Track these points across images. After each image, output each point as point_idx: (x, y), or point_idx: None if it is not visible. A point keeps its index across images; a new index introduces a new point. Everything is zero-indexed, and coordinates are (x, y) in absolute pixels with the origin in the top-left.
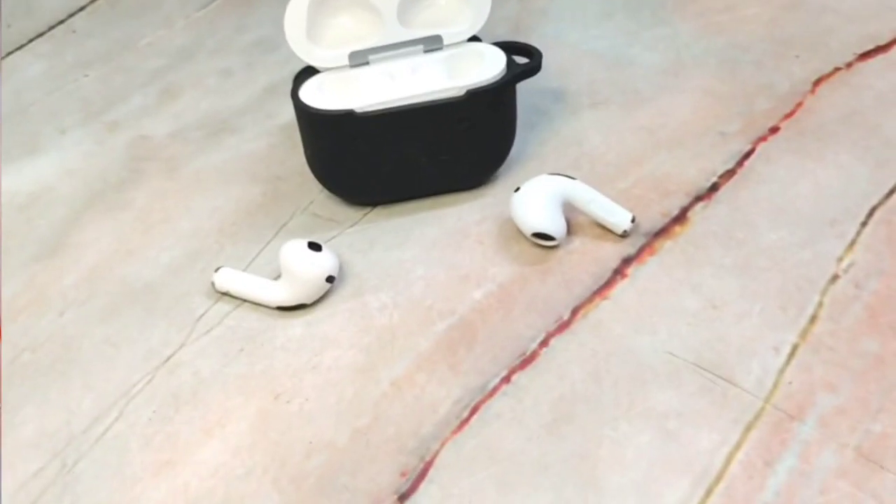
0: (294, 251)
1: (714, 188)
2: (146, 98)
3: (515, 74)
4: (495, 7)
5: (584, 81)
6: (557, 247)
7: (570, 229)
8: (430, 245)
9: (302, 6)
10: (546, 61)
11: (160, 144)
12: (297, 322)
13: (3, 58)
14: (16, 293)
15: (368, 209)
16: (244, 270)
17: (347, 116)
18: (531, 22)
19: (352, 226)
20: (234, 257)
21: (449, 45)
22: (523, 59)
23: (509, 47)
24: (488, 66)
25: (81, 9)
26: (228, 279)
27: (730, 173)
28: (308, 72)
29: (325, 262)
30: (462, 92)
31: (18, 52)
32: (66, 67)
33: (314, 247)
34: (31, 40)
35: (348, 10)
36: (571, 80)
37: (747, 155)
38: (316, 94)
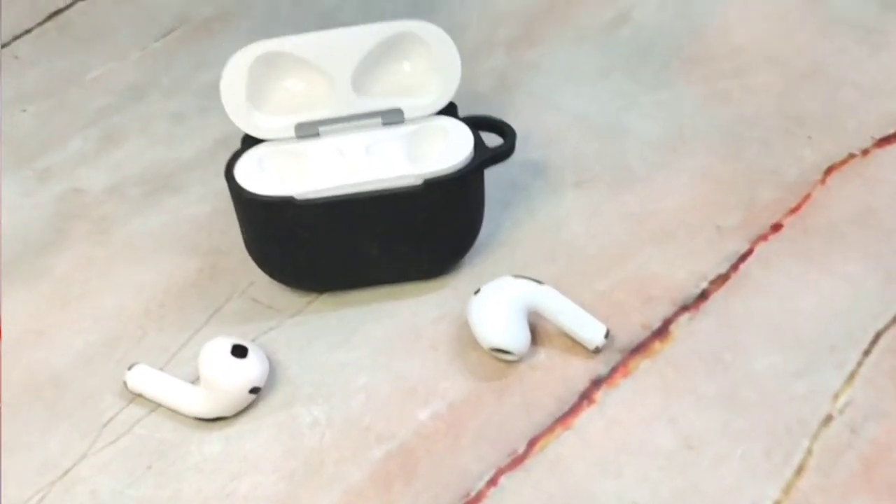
0: (214, 357)
1: (703, 296)
2: (86, 142)
3: (483, 161)
4: (481, 58)
5: (571, 154)
6: (519, 361)
7: (537, 338)
8: (377, 346)
9: (242, 65)
10: (529, 127)
11: (94, 201)
12: (216, 436)
13: None
14: None
15: (314, 296)
16: (168, 362)
17: (286, 204)
18: (519, 76)
19: (292, 316)
20: (156, 346)
21: (412, 119)
22: (497, 138)
23: (480, 123)
24: (453, 148)
25: (27, 31)
26: (143, 379)
27: (722, 278)
28: (252, 139)
29: (249, 373)
30: (419, 181)
31: None
32: (2, 100)
33: (238, 352)
34: None
35: (298, 74)
36: (557, 152)
37: (744, 257)
38: (254, 172)
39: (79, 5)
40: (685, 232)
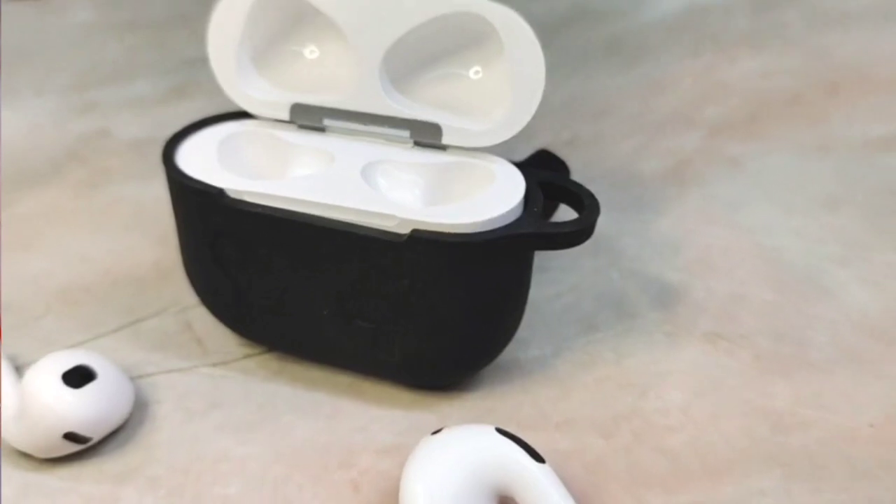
0: (40, 376)
1: None
2: (155, 86)
3: (516, 234)
4: (668, 132)
5: (724, 295)
6: None
7: None
8: (286, 451)
9: (240, 4)
10: (683, 238)
11: (112, 150)
12: (17, 478)
13: None
14: None
15: (261, 351)
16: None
17: (214, 197)
18: (705, 171)
19: (214, 364)
20: (44, 335)
21: (455, 148)
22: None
23: (551, 184)
24: (487, 204)
25: None
26: None
27: None
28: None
29: (70, 413)
30: (404, 230)
31: None
32: (111, 23)
33: (73, 379)
34: None
35: (314, 35)
36: (705, 285)
37: None
38: (209, 151)
39: None
40: (843, 471)
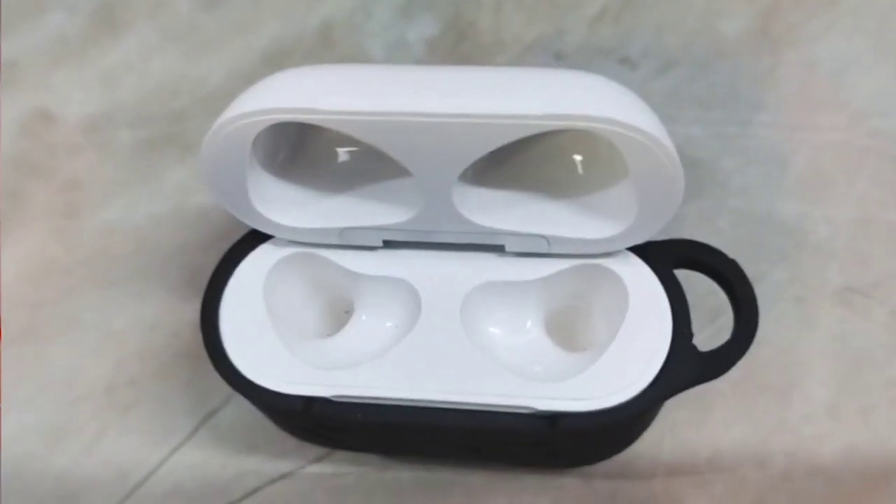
0: None
1: None
2: (72, 17)
3: (670, 392)
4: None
5: (850, 220)
6: None
7: None
8: None
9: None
10: (792, 128)
11: (65, 144)
12: None
13: None
14: None
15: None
16: (134, 492)
17: (300, 412)
18: (812, 22)
19: (304, 466)
20: (118, 456)
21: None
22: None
23: (689, 262)
24: (629, 353)
25: None
26: None
27: None
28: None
29: None
30: (539, 415)
31: None
32: None
33: None
34: None
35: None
36: (830, 210)
37: None
38: (260, 317)
39: None
40: None
